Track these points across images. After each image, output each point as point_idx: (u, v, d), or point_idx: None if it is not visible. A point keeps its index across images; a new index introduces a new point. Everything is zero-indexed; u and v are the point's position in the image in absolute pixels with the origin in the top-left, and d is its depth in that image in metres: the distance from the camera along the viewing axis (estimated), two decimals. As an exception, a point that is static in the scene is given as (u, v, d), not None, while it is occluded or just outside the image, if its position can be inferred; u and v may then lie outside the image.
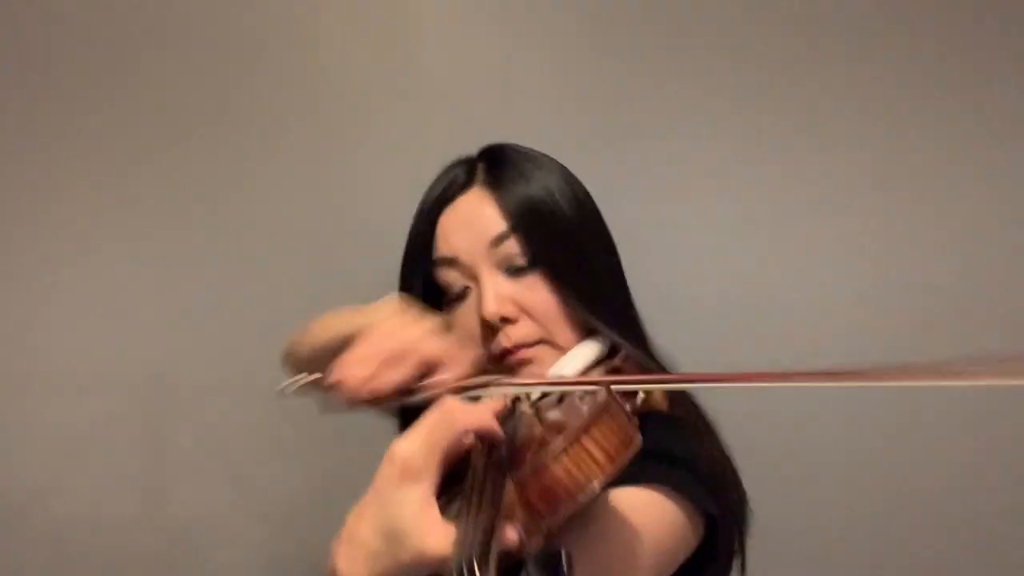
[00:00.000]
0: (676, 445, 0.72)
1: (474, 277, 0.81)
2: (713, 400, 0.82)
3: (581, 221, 0.83)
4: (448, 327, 0.73)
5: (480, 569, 0.42)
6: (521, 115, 1.19)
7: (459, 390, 0.67)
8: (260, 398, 1.20)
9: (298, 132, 1.22)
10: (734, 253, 1.20)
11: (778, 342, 1.19)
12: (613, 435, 0.51)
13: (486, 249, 0.80)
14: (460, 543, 0.45)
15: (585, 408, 0.55)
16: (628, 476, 0.57)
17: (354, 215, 1.22)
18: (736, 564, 0.78)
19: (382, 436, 0.85)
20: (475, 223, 0.82)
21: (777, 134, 1.19)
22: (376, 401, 0.68)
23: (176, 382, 1.20)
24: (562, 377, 0.75)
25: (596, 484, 0.49)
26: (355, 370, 0.67)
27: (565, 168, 0.86)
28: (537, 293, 0.80)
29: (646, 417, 0.71)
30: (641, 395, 0.70)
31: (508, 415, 0.57)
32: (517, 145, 0.88)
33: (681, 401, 0.80)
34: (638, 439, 0.53)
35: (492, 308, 0.78)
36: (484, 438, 0.53)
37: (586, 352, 0.79)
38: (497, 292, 0.79)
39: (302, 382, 0.76)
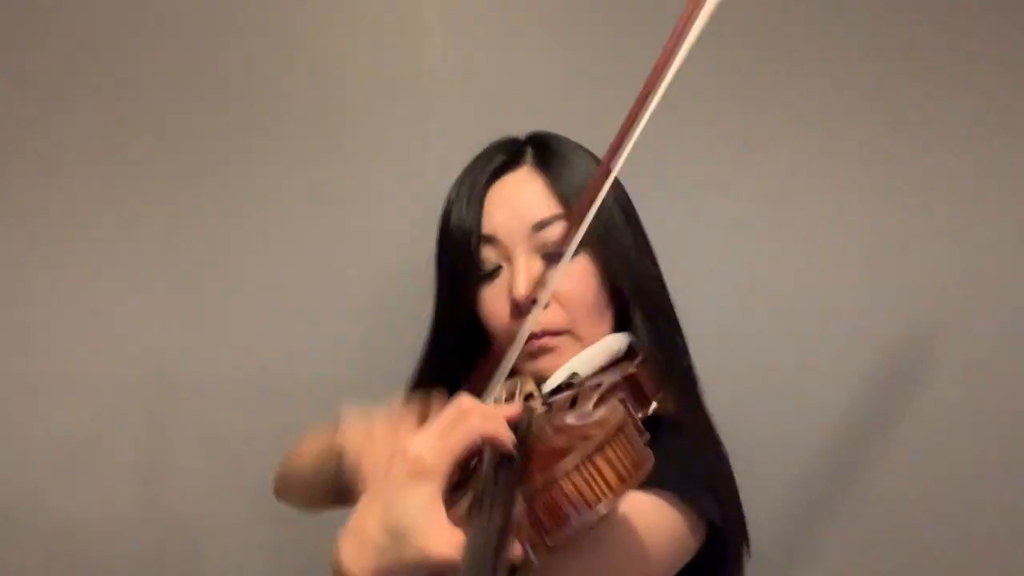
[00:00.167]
0: (683, 452, 0.72)
1: (508, 257, 0.81)
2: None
3: (624, 215, 0.83)
4: (423, 405, 0.69)
5: None
6: (522, 116, 1.18)
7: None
8: (260, 398, 1.20)
9: (299, 132, 1.21)
10: (735, 251, 1.20)
11: (778, 341, 1.19)
12: (626, 456, 0.51)
13: (528, 232, 0.80)
14: (469, 551, 0.44)
15: (598, 418, 0.54)
16: None
17: (354, 215, 1.22)
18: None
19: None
20: (521, 204, 0.81)
21: (778, 132, 1.19)
22: None
23: (176, 382, 1.20)
24: (570, 373, 0.75)
25: (605, 505, 0.49)
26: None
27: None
28: (572, 281, 0.79)
29: (654, 422, 0.71)
30: (655, 404, 0.69)
31: (521, 417, 0.56)
32: (561, 135, 0.88)
33: (691, 410, 0.80)
34: (650, 461, 0.53)
35: (525, 290, 0.78)
36: (496, 448, 0.53)
37: (606, 348, 0.79)
38: (531, 275, 0.78)
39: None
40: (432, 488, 0.50)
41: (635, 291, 0.80)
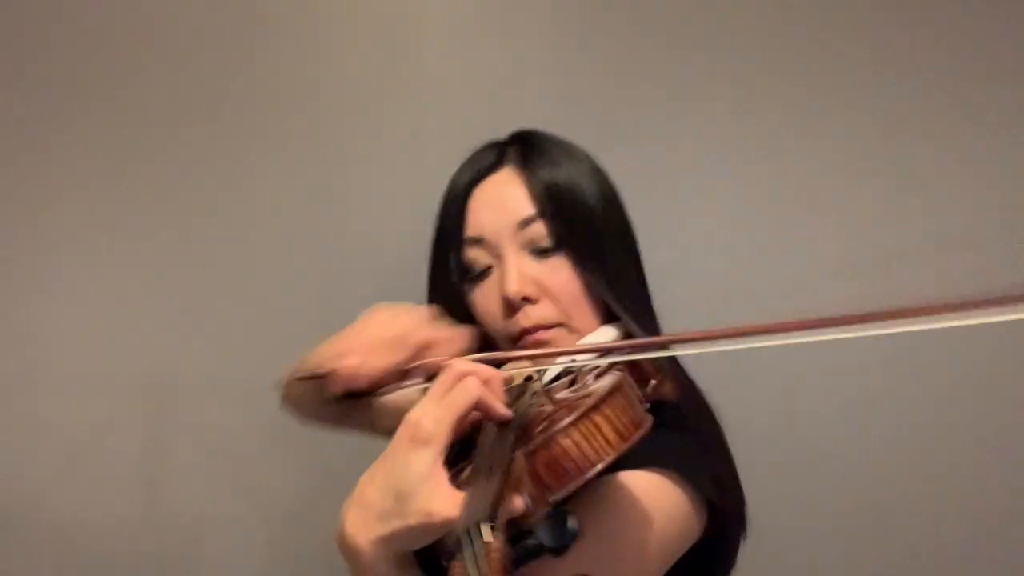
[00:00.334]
0: (684, 435, 0.72)
1: (498, 256, 0.82)
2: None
3: (606, 209, 0.84)
4: (439, 316, 0.74)
5: (487, 532, 0.42)
6: (522, 116, 1.19)
7: None
8: (260, 398, 1.19)
9: (298, 133, 1.22)
10: (735, 248, 1.20)
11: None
12: (624, 414, 0.51)
13: (513, 230, 0.81)
14: (469, 508, 0.45)
15: (597, 385, 0.55)
16: (637, 461, 0.57)
17: (354, 215, 1.22)
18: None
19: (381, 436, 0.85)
20: (503, 203, 0.82)
21: (779, 130, 1.20)
22: (371, 384, 0.68)
23: (176, 383, 1.20)
24: (571, 347, 0.76)
25: (604, 461, 0.49)
26: (348, 359, 0.67)
27: (591, 157, 0.87)
28: (560, 275, 0.80)
29: (655, 407, 0.71)
30: (653, 382, 0.70)
31: (519, 392, 0.56)
32: (547, 132, 0.89)
33: (690, 394, 0.81)
34: (649, 420, 0.53)
35: (515, 287, 0.79)
36: (493, 413, 0.53)
37: (600, 338, 0.79)
38: (520, 271, 0.80)
39: (297, 376, 0.76)
40: (433, 453, 0.50)
41: (611, 291, 0.81)
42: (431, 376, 0.65)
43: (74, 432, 1.18)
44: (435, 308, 0.78)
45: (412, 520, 0.49)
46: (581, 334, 0.80)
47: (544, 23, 1.22)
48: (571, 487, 0.49)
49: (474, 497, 0.46)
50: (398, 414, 0.62)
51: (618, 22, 1.21)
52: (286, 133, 1.22)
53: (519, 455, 0.49)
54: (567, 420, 0.50)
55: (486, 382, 0.54)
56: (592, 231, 0.81)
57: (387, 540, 0.51)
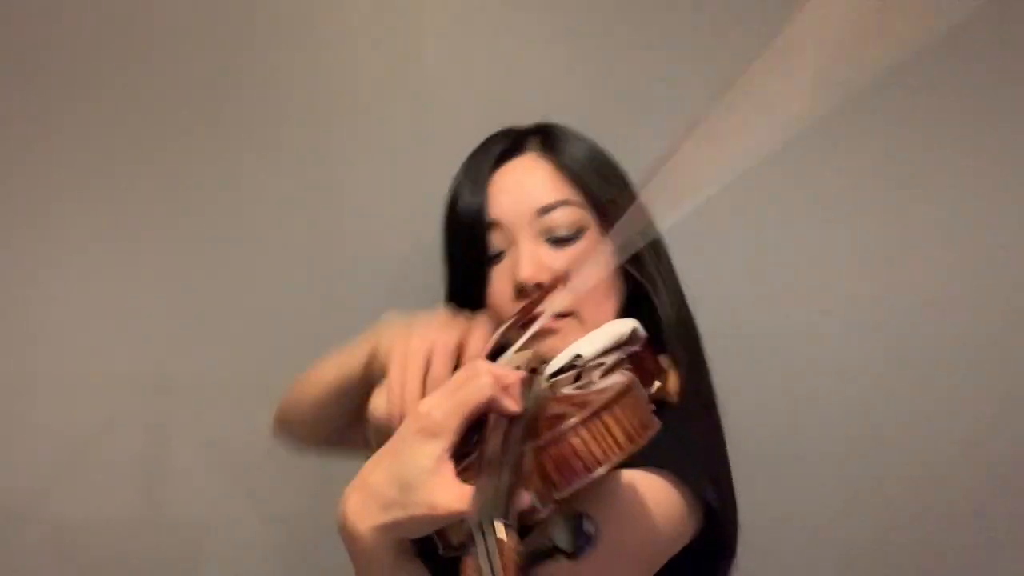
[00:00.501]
0: (684, 436, 0.72)
1: (513, 241, 0.82)
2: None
3: (627, 198, 0.83)
4: (451, 313, 0.74)
5: (499, 527, 0.42)
6: (521, 114, 1.19)
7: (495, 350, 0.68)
8: (261, 399, 1.20)
9: (298, 133, 1.22)
10: (736, 250, 1.20)
11: (778, 340, 1.19)
12: (634, 416, 0.51)
13: (531, 216, 0.81)
14: (477, 503, 0.45)
15: (605, 384, 0.55)
16: (635, 460, 0.56)
17: (354, 215, 1.22)
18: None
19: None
20: (524, 189, 0.82)
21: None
22: None
23: (177, 383, 1.20)
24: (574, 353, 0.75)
25: (612, 461, 0.50)
26: (405, 389, 0.67)
27: (606, 151, 0.88)
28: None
29: (657, 407, 0.71)
30: (657, 383, 0.70)
31: (528, 386, 0.57)
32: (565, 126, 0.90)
33: (693, 392, 0.80)
34: (656, 423, 0.54)
35: (528, 272, 0.79)
36: (504, 410, 0.53)
37: (610, 332, 0.78)
38: (534, 258, 0.79)
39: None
40: (441, 445, 0.50)
41: (648, 274, 0.82)
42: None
43: (74, 432, 1.18)
44: (444, 309, 0.78)
45: (416, 511, 0.49)
46: (590, 325, 0.79)
47: (544, 21, 1.22)
48: (577, 485, 0.49)
49: (483, 491, 0.45)
50: None
51: (618, 23, 1.21)
52: (286, 133, 1.22)
53: (528, 451, 0.49)
54: (578, 418, 0.50)
55: (505, 387, 0.53)
56: (620, 215, 0.81)
57: (388, 528, 0.51)
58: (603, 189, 0.82)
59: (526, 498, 0.48)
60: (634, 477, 0.64)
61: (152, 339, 1.20)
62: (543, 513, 0.48)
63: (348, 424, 0.85)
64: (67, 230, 1.20)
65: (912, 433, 1.17)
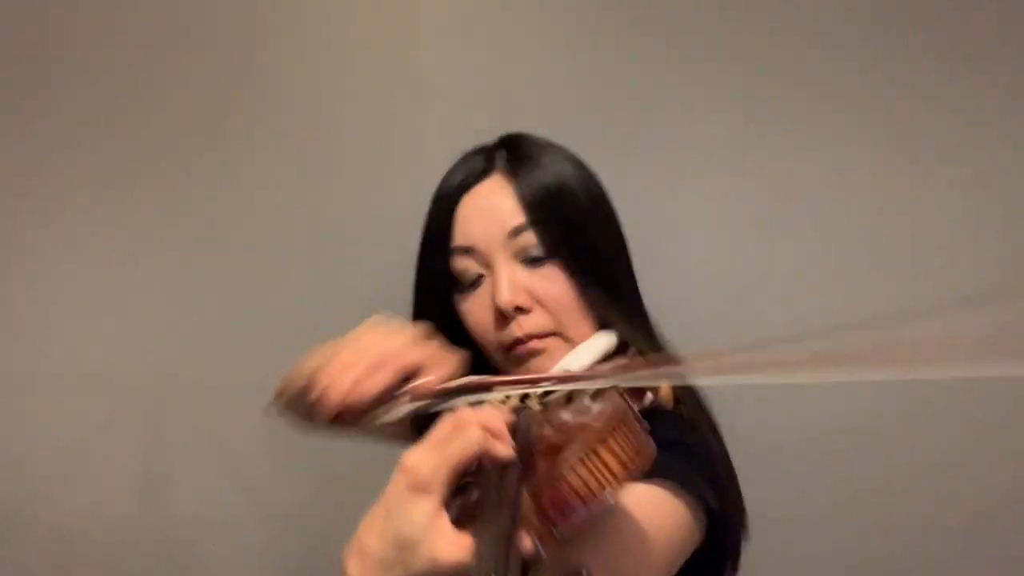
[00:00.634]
0: (682, 442, 0.72)
1: (489, 266, 0.81)
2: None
3: (596, 214, 0.83)
4: (430, 335, 0.72)
5: None
6: (520, 116, 1.19)
7: (443, 392, 0.65)
8: (261, 399, 1.19)
9: (298, 134, 1.22)
10: (734, 251, 1.20)
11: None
12: (628, 445, 0.51)
13: (503, 239, 0.80)
14: (479, 552, 0.45)
15: (597, 411, 0.54)
16: None
17: (354, 216, 1.22)
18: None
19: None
20: (493, 212, 0.81)
21: (777, 132, 1.19)
22: (361, 411, 0.65)
23: (176, 383, 1.20)
24: (563, 372, 0.74)
25: (610, 494, 0.50)
26: (337, 380, 0.65)
27: (581, 160, 0.86)
28: (552, 284, 0.80)
29: (653, 414, 0.70)
30: (650, 395, 0.69)
31: (517, 421, 0.56)
32: (535, 136, 0.88)
33: (688, 400, 0.80)
34: (652, 448, 0.53)
35: (507, 296, 0.78)
36: (496, 460, 0.52)
37: (596, 346, 0.79)
38: (512, 281, 0.79)
39: (282, 404, 0.75)
40: (433, 501, 0.49)
41: (607, 296, 0.81)
42: (417, 397, 0.65)
43: (75, 432, 1.18)
44: (426, 327, 0.77)
45: (418, 567, 0.48)
46: (575, 342, 0.79)
47: (541, 24, 1.22)
48: (578, 523, 0.49)
49: (483, 540, 0.45)
50: (399, 424, 0.60)
51: (615, 25, 1.21)
52: (286, 134, 1.22)
53: (525, 493, 0.49)
54: (572, 456, 0.49)
55: (494, 433, 0.52)
56: (583, 238, 0.81)
57: None
58: (555, 224, 0.80)
59: (527, 542, 0.48)
60: (636, 491, 0.63)
61: (152, 339, 1.20)
62: (546, 553, 0.48)
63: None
64: (67, 230, 1.20)
65: (912, 435, 1.17)
